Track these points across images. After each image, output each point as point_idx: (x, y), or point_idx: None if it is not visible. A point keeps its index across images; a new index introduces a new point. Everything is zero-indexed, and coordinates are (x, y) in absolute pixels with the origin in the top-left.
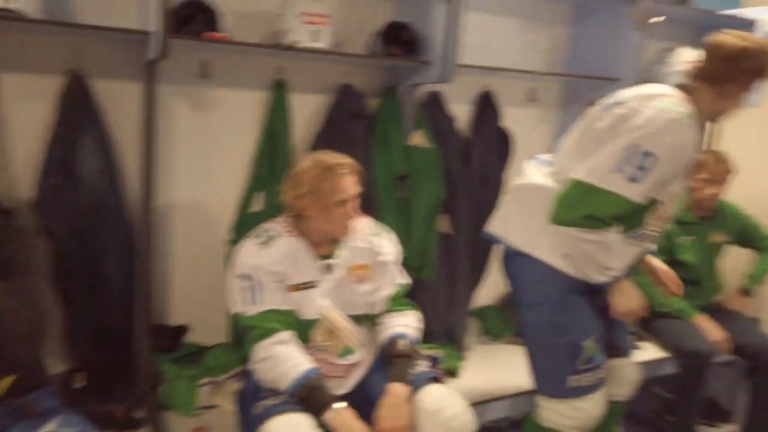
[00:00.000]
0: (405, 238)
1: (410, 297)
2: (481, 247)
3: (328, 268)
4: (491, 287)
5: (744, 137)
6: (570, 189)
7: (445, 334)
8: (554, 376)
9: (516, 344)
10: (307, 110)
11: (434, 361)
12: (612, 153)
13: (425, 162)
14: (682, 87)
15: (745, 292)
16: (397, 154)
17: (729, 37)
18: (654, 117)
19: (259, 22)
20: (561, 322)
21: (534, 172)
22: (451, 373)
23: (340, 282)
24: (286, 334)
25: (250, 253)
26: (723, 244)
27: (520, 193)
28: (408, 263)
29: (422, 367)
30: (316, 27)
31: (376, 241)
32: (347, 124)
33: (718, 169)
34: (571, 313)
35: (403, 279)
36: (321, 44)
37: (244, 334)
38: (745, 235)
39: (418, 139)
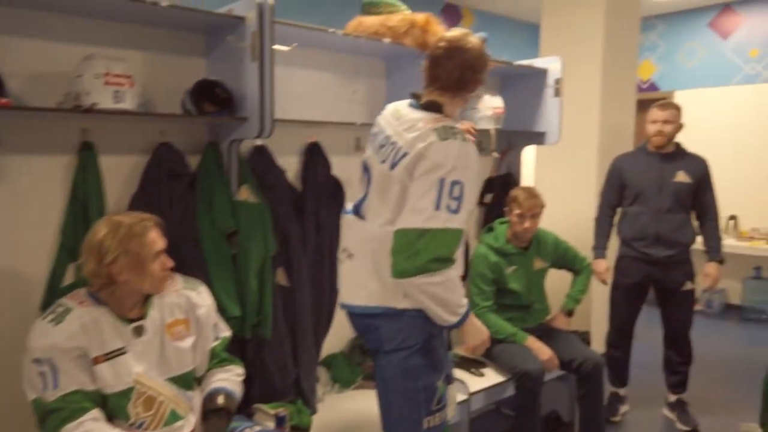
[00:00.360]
0: (240, 296)
1: (252, 356)
2: (323, 296)
3: (138, 331)
4: (338, 334)
5: (549, 170)
6: (402, 239)
7: (294, 390)
8: (411, 419)
9: (366, 389)
10: (121, 172)
11: (281, 420)
12: (426, 194)
13: (253, 217)
14: (431, 105)
15: (567, 311)
16: (223, 211)
17: (463, 43)
18: (444, 151)
19: (55, 84)
20: (420, 366)
21: (361, 226)
22: (303, 429)
23: (156, 343)
24: (96, 412)
25: (42, 333)
26: (545, 269)
27: (359, 251)
28: (245, 321)
29: (264, 426)
30: (118, 88)
31: (191, 295)
32: (166, 184)
33: (530, 204)
34: (430, 355)
35: (224, 332)
36: (125, 105)
37: (44, 422)
38: (563, 259)
39: (245, 194)
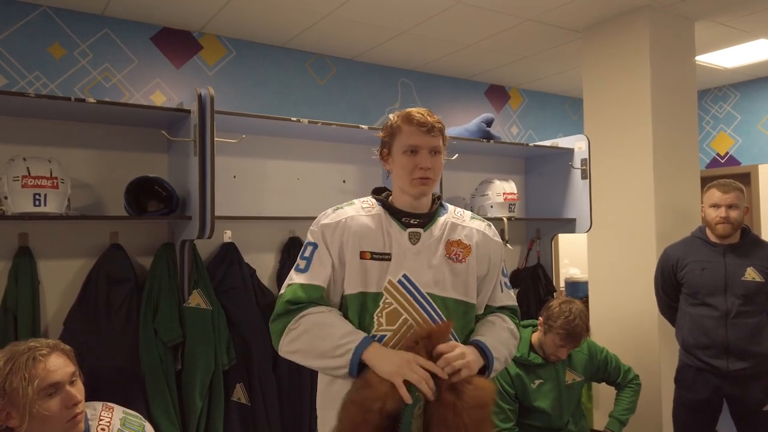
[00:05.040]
0: (186, 419)
1: None
2: (292, 415)
3: None
4: None
5: (602, 258)
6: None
7: None
8: None
9: None
10: (62, 279)
11: None
12: None
13: (203, 325)
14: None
15: None
16: (168, 319)
17: None
18: None
19: None
20: None
21: None
22: None
23: None
24: None
25: None
26: (580, 383)
27: None
28: None
29: None
30: (38, 190)
31: None
32: (105, 290)
33: (570, 329)
34: None
35: None
36: (47, 208)
37: None
38: (602, 372)
39: (196, 299)
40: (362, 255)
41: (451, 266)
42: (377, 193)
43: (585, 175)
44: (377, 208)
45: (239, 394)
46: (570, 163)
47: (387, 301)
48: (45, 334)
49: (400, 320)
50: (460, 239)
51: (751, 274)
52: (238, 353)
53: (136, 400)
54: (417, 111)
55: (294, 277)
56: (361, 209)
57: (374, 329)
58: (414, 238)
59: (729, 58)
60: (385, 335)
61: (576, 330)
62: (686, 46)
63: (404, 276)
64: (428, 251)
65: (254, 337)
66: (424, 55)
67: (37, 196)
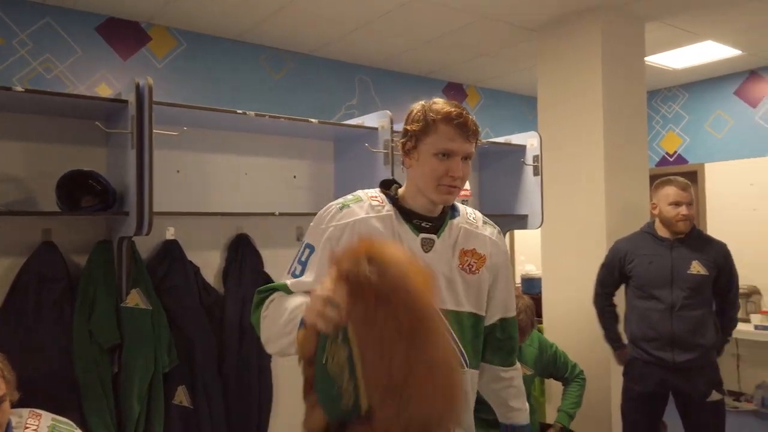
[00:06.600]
0: (123, 425)
1: None
2: (246, 420)
3: None
4: None
5: (555, 254)
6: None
7: None
8: None
9: None
10: None
11: None
12: None
13: (142, 326)
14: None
15: (560, 429)
16: (104, 320)
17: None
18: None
19: None
20: None
21: None
22: None
23: None
24: None
25: None
26: (531, 377)
27: None
28: None
29: None
30: None
31: None
32: (35, 290)
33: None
34: None
35: None
36: None
37: None
38: (551, 367)
39: (134, 299)
40: None
41: (463, 277)
42: (385, 186)
43: (537, 171)
44: (388, 207)
45: (181, 397)
46: (522, 160)
47: None
48: None
49: None
50: (474, 248)
51: (696, 268)
52: (182, 354)
53: (69, 406)
54: (455, 109)
55: (285, 278)
56: (371, 208)
57: None
58: (427, 246)
59: (678, 59)
60: None
61: (519, 325)
62: (637, 46)
63: None
64: (441, 261)
65: (198, 337)
66: (381, 51)
67: None
